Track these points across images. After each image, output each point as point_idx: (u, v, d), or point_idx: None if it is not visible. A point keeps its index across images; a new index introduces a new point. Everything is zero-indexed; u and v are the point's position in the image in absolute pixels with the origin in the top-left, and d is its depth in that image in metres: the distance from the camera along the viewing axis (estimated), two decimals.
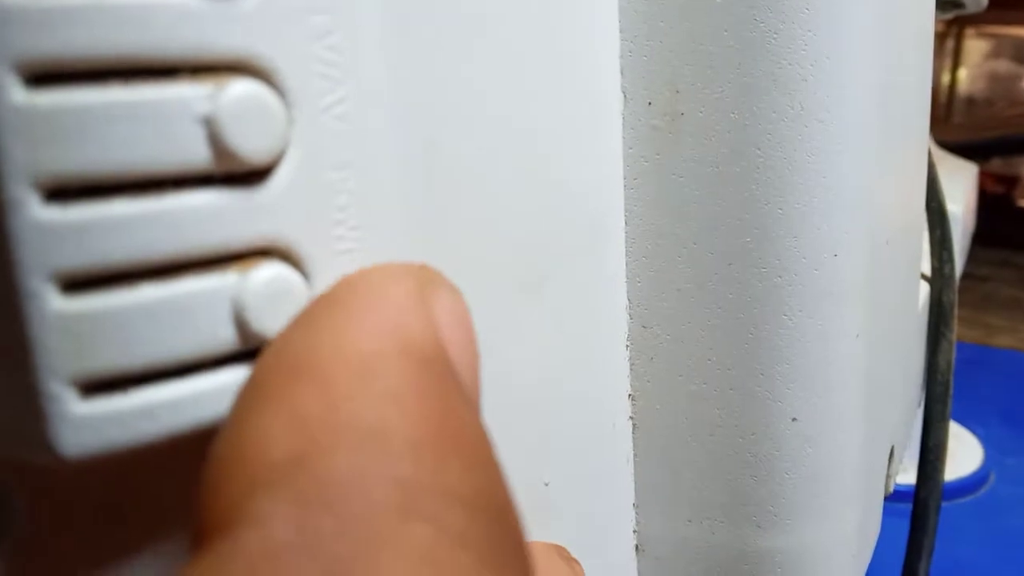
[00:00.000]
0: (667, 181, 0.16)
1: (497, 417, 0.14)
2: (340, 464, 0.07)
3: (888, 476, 0.24)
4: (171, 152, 0.08)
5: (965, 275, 0.52)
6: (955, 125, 1.25)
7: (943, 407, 0.29)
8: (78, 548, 0.10)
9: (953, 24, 1.24)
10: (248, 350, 0.09)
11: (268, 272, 0.09)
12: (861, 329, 0.18)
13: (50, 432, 0.08)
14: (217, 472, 0.08)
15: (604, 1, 0.16)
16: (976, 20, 1.23)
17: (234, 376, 0.09)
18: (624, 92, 0.16)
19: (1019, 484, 0.50)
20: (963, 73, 1.29)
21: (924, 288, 0.29)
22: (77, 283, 0.08)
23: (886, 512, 0.25)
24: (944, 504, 0.47)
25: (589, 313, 0.17)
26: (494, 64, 0.13)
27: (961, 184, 0.44)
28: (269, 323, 0.09)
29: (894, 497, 0.29)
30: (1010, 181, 1.24)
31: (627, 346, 0.18)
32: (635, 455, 0.19)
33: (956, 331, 0.29)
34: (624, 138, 0.17)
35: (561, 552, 0.15)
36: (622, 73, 0.16)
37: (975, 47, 1.30)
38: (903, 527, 0.31)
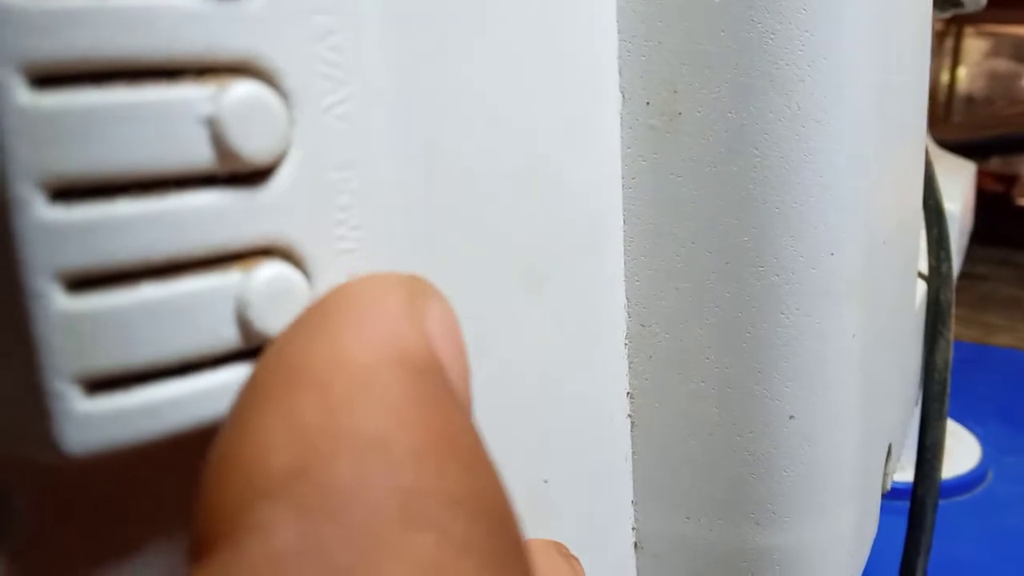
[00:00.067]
0: (665, 180, 0.17)
1: (496, 415, 0.15)
2: (341, 473, 0.07)
3: (886, 474, 0.24)
4: (174, 152, 0.08)
5: (964, 274, 0.52)
6: (954, 124, 1.25)
7: (940, 405, 0.29)
8: (80, 546, 0.10)
9: (952, 23, 1.24)
10: (250, 349, 0.09)
11: (270, 271, 0.09)
12: (858, 328, 0.18)
13: (54, 430, 0.08)
14: (216, 481, 0.08)
15: (603, 1, 0.16)
16: (975, 19, 1.23)
17: (236, 375, 0.09)
18: (622, 92, 0.16)
19: (1017, 482, 0.50)
20: (962, 72, 1.29)
21: (921, 287, 0.29)
22: (82, 282, 0.08)
23: (884, 510, 0.25)
24: (942, 502, 0.47)
25: (588, 312, 0.17)
26: (494, 64, 0.13)
27: (959, 183, 0.45)
28: (271, 322, 0.09)
29: (892, 495, 0.29)
30: (1009, 180, 1.24)
31: (626, 344, 0.18)
32: (634, 453, 0.19)
33: (953, 330, 0.29)
34: (622, 138, 0.17)
35: (560, 549, 0.15)
36: (620, 73, 0.16)
37: (974, 46, 1.30)
38: (901, 525, 0.31)
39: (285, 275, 0.09)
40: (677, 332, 0.18)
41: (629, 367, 0.18)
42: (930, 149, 0.50)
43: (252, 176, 0.09)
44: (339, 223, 0.10)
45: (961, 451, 0.52)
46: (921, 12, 0.25)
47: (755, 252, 0.16)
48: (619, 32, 0.16)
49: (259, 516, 0.07)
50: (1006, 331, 0.84)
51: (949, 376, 0.29)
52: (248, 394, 0.08)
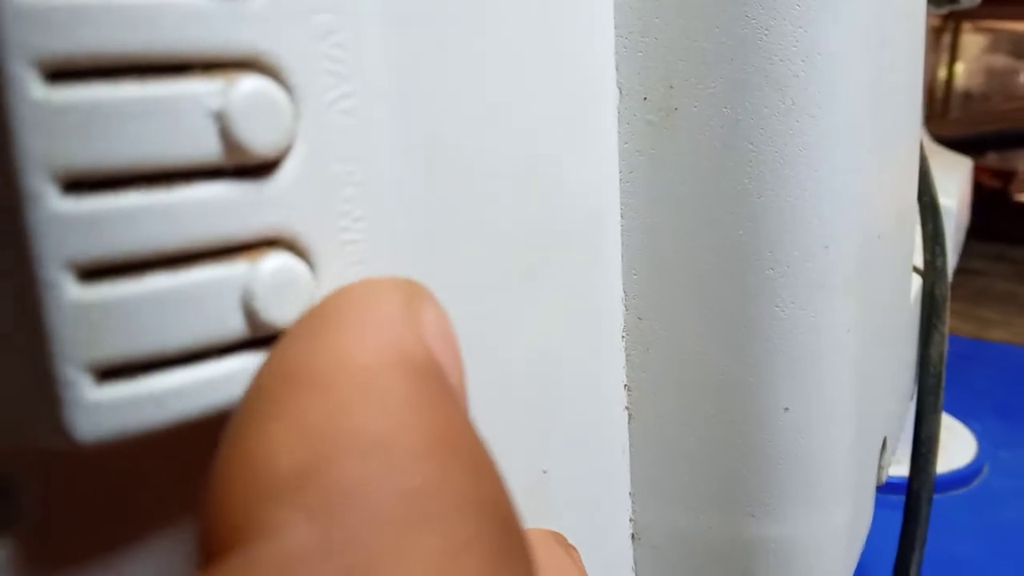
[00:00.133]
0: (662, 175, 0.17)
1: (496, 407, 0.15)
2: (347, 475, 0.08)
3: (880, 467, 0.24)
4: (183, 146, 0.08)
5: (960, 269, 0.52)
6: (952, 120, 1.25)
7: (935, 399, 0.29)
8: (86, 537, 0.10)
9: (950, 19, 1.24)
10: (256, 338, 0.09)
11: (275, 262, 0.09)
12: (853, 321, 0.18)
13: (65, 418, 0.09)
14: (224, 483, 0.08)
15: (601, 2, 0.16)
16: (973, 15, 1.23)
17: (243, 363, 0.09)
18: (620, 88, 0.17)
19: (1012, 477, 0.51)
20: (960, 68, 1.30)
21: (917, 281, 0.30)
22: (92, 272, 0.08)
23: (880, 504, 0.25)
24: (938, 496, 0.47)
25: (586, 305, 0.17)
26: (494, 60, 0.13)
27: (955, 178, 0.45)
28: (276, 312, 0.09)
29: (888, 489, 0.30)
30: (1007, 176, 1.24)
31: (623, 337, 0.18)
32: (631, 445, 0.19)
33: (948, 324, 0.29)
34: (620, 133, 0.17)
35: (559, 539, 0.15)
36: (617, 69, 0.16)
37: (972, 41, 1.30)
38: (896, 519, 0.31)
39: (290, 266, 0.09)
40: (674, 325, 0.18)
41: (626, 360, 0.18)
42: (927, 145, 0.50)
43: (258, 169, 0.09)
44: (342, 215, 0.10)
45: (957, 446, 0.52)
46: (915, 8, 0.25)
47: (750, 246, 0.16)
48: (616, 28, 0.16)
49: (268, 518, 0.07)
50: (1002, 326, 0.85)
51: (944, 370, 0.29)
52: (252, 398, 0.09)
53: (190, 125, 0.08)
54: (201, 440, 0.09)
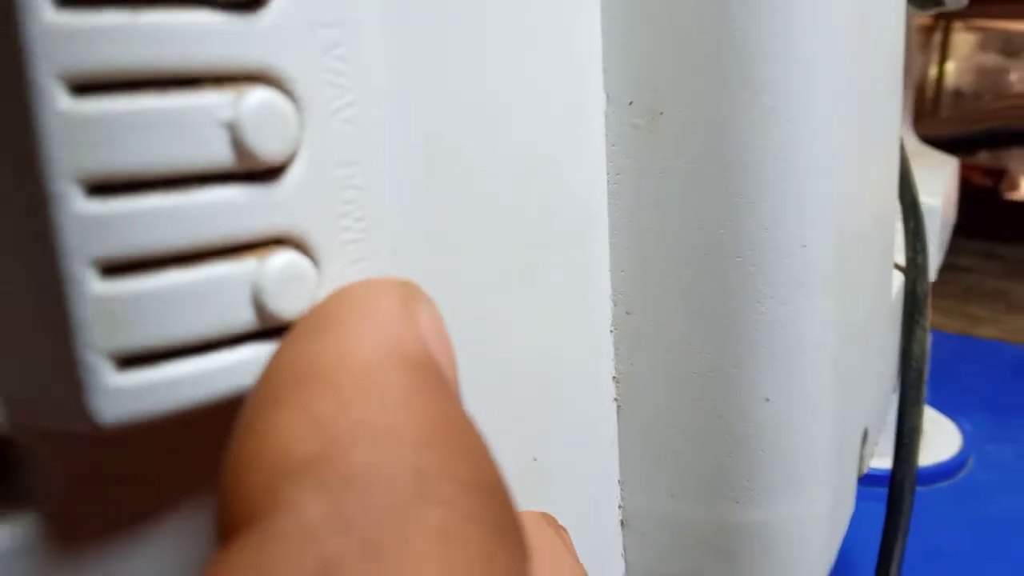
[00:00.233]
0: (648, 177, 0.17)
1: (491, 397, 0.16)
2: (359, 457, 0.08)
3: (862, 457, 0.25)
4: (198, 152, 0.09)
5: (950, 266, 0.52)
6: (942, 118, 1.25)
7: (917, 392, 0.30)
8: (108, 517, 0.11)
9: (941, 17, 1.25)
10: (265, 329, 0.10)
11: (282, 259, 0.10)
12: (831, 317, 0.19)
13: (88, 402, 0.09)
14: (240, 470, 0.09)
15: (589, 10, 0.17)
16: (964, 13, 1.23)
17: (253, 352, 0.10)
18: (607, 93, 0.17)
19: (997, 470, 0.51)
20: (951, 66, 1.30)
21: (899, 278, 0.30)
22: (114, 268, 0.09)
23: (865, 496, 0.26)
24: (923, 488, 0.48)
25: (576, 300, 0.18)
26: (489, 68, 0.14)
27: (941, 178, 0.46)
28: (283, 305, 0.10)
29: (873, 481, 0.30)
30: (997, 174, 1.25)
31: (612, 332, 0.19)
32: (620, 434, 0.20)
33: (930, 319, 0.30)
34: (607, 136, 0.17)
35: (550, 520, 0.16)
36: (605, 75, 0.17)
37: (963, 40, 1.30)
38: (881, 510, 0.32)
39: (296, 263, 0.10)
40: (660, 320, 0.18)
41: (615, 353, 0.19)
42: (913, 145, 0.51)
43: (266, 173, 0.10)
44: (344, 215, 0.10)
45: (943, 439, 0.53)
46: (895, 10, 0.26)
47: (731, 245, 0.17)
48: (603, 37, 0.17)
49: (287, 496, 0.08)
50: (991, 323, 0.85)
51: (926, 364, 0.30)
52: (262, 391, 0.09)
53: (204, 134, 0.09)
54: (215, 425, 0.10)
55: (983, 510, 0.47)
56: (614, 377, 0.19)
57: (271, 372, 0.09)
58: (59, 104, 0.08)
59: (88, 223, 0.09)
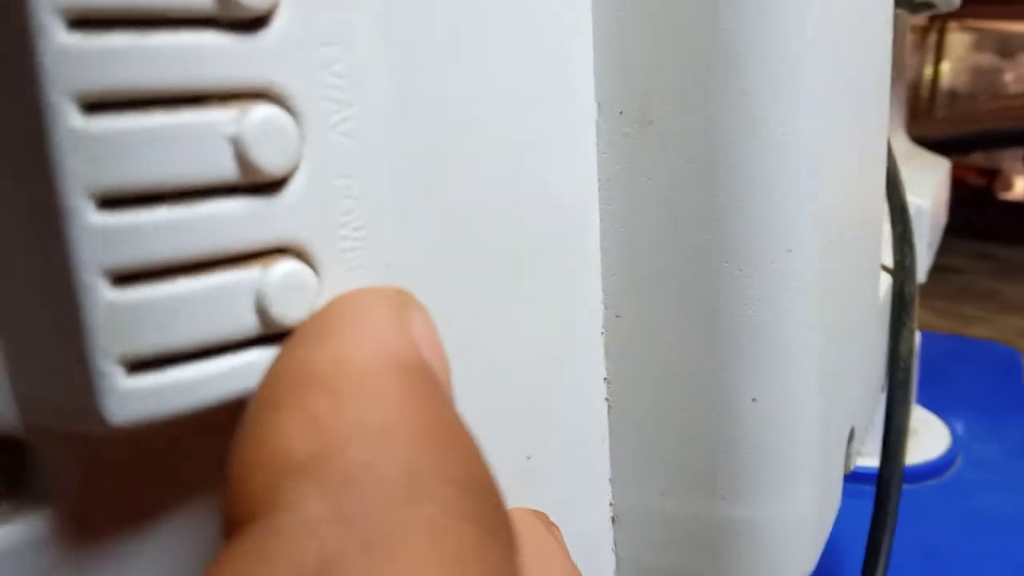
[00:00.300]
0: (637, 183, 0.18)
1: (486, 398, 0.16)
2: (355, 458, 0.09)
3: (848, 455, 0.25)
4: (204, 166, 0.10)
5: (942, 266, 0.53)
6: (937, 119, 1.26)
7: (905, 392, 0.30)
8: (119, 516, 0.11)
9: (936, 18, 1.25)
10: (268, 335, 0.10)
11: (285, 268, 0.10)
12: (818, 319, 0.19)
13: (100, 404, 0.10)
14: (242, 470, 0.09)
15: (581, 21, 0.17)
16: (959, 14, 1.24)
17: (256, 357, 0.10)
18: (598, 102, 0.18)
19: (986, 469, 0.52)
20: (946, 67, 1.31)
21: (887, 280, 0.31)
22: (125, 277, 0.09)
23: (853, 494, 0.26)
24: (911, 486, 0.48)
25: (568, 303, 0.18)
26: (483, 81, 0.15)
27: (932, 179, 0.46)
28: (285, 311, 0.10)
29: (861, 480, 0.31)
30: (991, 174, 1.25)
31: (602, 333, 0.19)
32: (611, 434, 0.20)
33: (917, 320, 0.30)
34: (598, 144, 0.18)
35: (541, 517, 0.16)
36: (596, 85, 0.18)
37: (958, 41, 1.31)
38: (868, 507, 0.32)
39: (297, 271, 0.10)
40: (650, 323, 0.19)
41: (606, 354, 0.19)
42: (905, 147, 0.51)
43: (269, 186, 0.10)
44: (343, 225, 0.11)
45: (932, 438, 0.53)
46: (883, 14, 0.26)
47: (719, 249, 0.18)
48: (594, 47, 0.17)
49: (287, 494, 0.08)
50: (982, 323, 0.86)
51: (913, 364, 0.31)
52: (263, 396, 0.10)
53: (210, 149, 0.10)
54: (221, 426, 0.10)
55: (970, 508, 0.48)
56: (605, 378, 0.20)
57: (272, 376, 0.10)
58: (71, 122, 0.09)
59: (100, 234, 0.09)
